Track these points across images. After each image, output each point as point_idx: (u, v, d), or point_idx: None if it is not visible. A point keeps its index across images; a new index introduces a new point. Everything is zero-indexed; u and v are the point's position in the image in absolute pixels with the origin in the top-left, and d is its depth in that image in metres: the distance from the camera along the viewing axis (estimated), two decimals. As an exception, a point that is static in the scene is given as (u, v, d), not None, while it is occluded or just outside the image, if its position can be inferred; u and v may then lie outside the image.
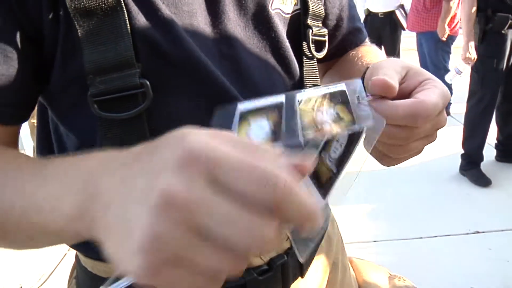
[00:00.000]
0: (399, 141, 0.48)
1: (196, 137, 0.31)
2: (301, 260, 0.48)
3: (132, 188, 0.33)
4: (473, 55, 3.27)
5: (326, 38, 0.71)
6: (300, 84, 0.67)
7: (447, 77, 3.94)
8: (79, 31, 0.50)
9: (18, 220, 0.45)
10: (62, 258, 2.76)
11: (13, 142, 0.58)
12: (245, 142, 0.32)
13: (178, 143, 0.31)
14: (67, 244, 0.48)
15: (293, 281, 0.68)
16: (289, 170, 0.31)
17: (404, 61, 0.55)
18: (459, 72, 3.64)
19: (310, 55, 0.68)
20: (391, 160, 0.53)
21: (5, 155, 0.52)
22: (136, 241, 0.30)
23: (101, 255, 0.61)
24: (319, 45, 0.69)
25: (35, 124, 2.30)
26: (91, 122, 0.53)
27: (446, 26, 4.47)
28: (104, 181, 0.37)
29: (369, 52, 0.77)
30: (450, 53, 4.85)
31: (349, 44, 0.79)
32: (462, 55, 3.33)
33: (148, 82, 0.51)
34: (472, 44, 3.25)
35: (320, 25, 0.69)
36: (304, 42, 0.67)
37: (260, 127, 0.43)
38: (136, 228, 0.30)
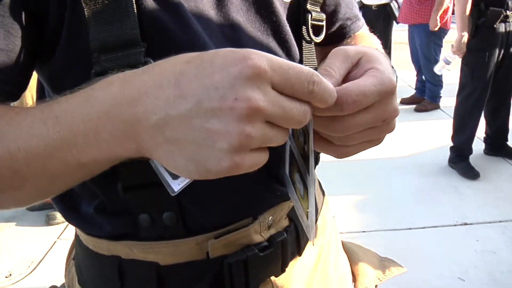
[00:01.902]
0: (336, 132, 0.47)
1: (256, 54, 0.38)
2: (312, 241, 0.52)
3: (204, 105, 0.38)
4: (464, 50, 3.29)
5: (324, 23, 0.72)
6: None
7: (436, 68, 3.96)
8: (85, 9, 0.50)
9: (43, 161, 0.45)
10: (52, 245, 2.76)
11: None
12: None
13: (243, 61, 0.38)
14: (89, 176, 0.48)
15: (291, 259, 0.70)
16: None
17: (365, 46, 0.54)
18: (448, 62, 3.66)
19: (309, 39, 0.69)
20: (339, 149, 0.51)
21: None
22: (228, 144, 0.38)
23: (104, 232, 0.62)
24: (317, 30, 0.71)
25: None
26: None
27: (438, 18, 4.49)
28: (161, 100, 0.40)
29: (363, 40, 0.78)
30: (441, 46, 4.88)
31: (347, 31, 0.80)
32: (453, 47, 3.36)
33: (152, 61, 0.51)
34: (465, 38, 3.27)
35: (319, 9, 0.71)
36: (303, 26, 0.68)
37: None
38: (223, 134, 0.38)
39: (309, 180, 0.49)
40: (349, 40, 0.79)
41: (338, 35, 0.80)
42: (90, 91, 0.43)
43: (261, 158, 0.41)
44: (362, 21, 0.83)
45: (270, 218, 0.67)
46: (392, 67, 0.56)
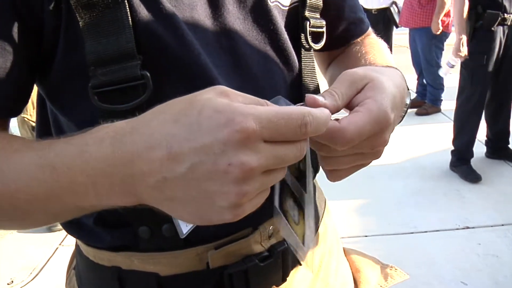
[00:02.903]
0: (326, 153, 0.50)
1: (242, 115, 0.38)
2: (302, 261, 0.52)
3: (198, 169, 0.38)
4: (465, 51, 3.29)
5: (323, 30, 0.71)
6: (298, 75, 0.68)
7: (441, 72, 3.96)
8: (80, 23, 0.51)
9: (44, 202, 0.46)
10: (54, 252, 2.75)
11: None
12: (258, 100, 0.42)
13: (229, 125, 0.37)
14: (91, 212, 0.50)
15: (292, 268, 0.70)
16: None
17: (382, 70, 0.54)
18: (451, 66, 3.66)
19: (308, 47, 0.69)
20: (331, 173, 0.53)
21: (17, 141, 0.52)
22: (227, 203, 0.39)
23: (104, 244, 0.62)
24: (317, 37, 0.70)
25: (25, 119, 2.27)
26: (92, 113, 0.54)
27: (439, 21, 4.49)
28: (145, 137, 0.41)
29: (373, 48, 0.77)
30: (443, 50, 4.87)
31: (351, 35, 0.79)
32: (453, 50, 3.36)
33: (148, 74, 0.52)
34: (464, 40, 3.27)
35: (318, 16, 0.70)
36: (302, 34, 0.68)
37: None
38: (221, 195, 0.39)
39: (306, 198, 0.49)
40: (358, 47, 0.78)
41: (342, 39, 0.79)
42: (83, 145, 0.44)
43: (262, 199, 0.43)
44: (367, 24, 0.82)
45: (270, 228, 0.67)
46: (407, 88, 0.57)
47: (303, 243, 0.49)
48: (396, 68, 0.60)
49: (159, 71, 0.54)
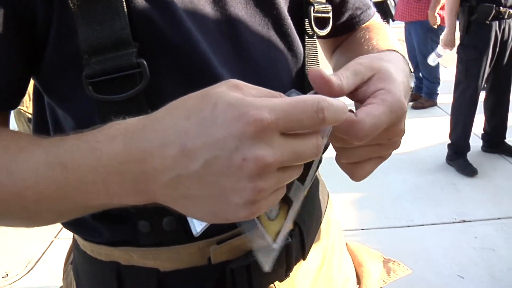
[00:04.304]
0: (342, 144, 0.48)
1: (255, 108, 0.36)
2: (267, 269, 0.51)
3: (212, 165, 0.37)
4: (453, 44, 3.29)
5: (330, 15, 0.69)
6: (302, 63, 0.66)
7: (430, 60, 3.98)
8: (73, 9, 0.48)
9: (53, 201, 0.46)
10: (49, 245, 2.74)
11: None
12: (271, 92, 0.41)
13: (242, 118, 0.36)
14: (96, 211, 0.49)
15: (295, 263, 0.68)
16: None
17: (386, 56, 0.53)
18: (439, 56, 3.71)
19: (311, 33, 0.66)
20: (354, 171, 0.51)
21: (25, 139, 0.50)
22: (243, 200, 0.38)
23: (102, 238, 0.61)
24: (322, 22, 0.68)
25: (21, 110, 2.25)
26: (89, 105, 0.52)
27: (436, 14, 4.48)
28: (169, 159, 0.39)
29: (377, 33, 0.75)
30: (438, 43, 4.86)
31: (356, 21, 0.77)
32: (442, 41, 3.37)
33: (145, 62, 0.49)
34: (452, 32, 3.27)
35: (323, 1, 0.68)
36: (306, 19, 0.65)
37: None
38: (236, 191, 0.38)
39: (299, 192, 0.48)
40: (362, 33, 0.76)
41: (348, 26, 0.77)
42: (94, 142, 0.43)
43: (278, 196, 0.42)
44: (373, 9, 0.80)
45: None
46: (410, 71, 0.55)
47: (275, 241, 0.48)
48: (398, 52, 0.59)
49: (156, 59, 0.52)
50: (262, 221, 0.48)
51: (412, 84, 0.57)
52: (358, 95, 0.48)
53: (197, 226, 0.47)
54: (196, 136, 0.37)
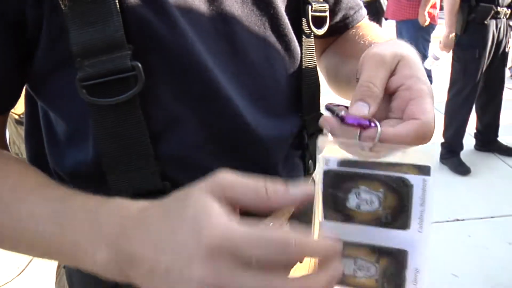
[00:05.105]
0: None
1: (213, 228, 0.37)
2: None
3: (165, 272, 0.39)
4: (451, 46, 3.29)
5: (327, 14, 0.68)
6: (299, 63, 0.65)
7: (426, 64, 3.97)
8: (64, 11, 0.47)
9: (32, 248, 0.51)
10: (40, 247, 2.71)
11: None
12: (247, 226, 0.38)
13: (200, 233, 0.37)
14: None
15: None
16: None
17: (398, 43, 0.52)
18: (436, 58, 3.70)
19: (309, 32, 0.65)
20: None
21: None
22: None
23: None
24: (319, 21, 0.67)
25: (12, 113, 2.21)
26: (82, 108, 0.50)
27: (426, 13, 4.49)
28: (137, 245, 0.41)
29: (370, 30, 0.74)
30: (429, 41, 4.89)
31: (350, 21, 0.76)
32: (440, 44, 3.36)
33: (140, 65, 0.48)
34: (452, 35, 3.27)
35: (321, 0, 0.67)
36: (303, 19, 0.64)
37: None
38: None
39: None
40: (354, 31, 0.75)
41: (341, 26, 0.76)
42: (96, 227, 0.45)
43: None
44: (364, 9, 0.79)
45: (270, 225, 0.64)
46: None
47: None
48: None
49: (151, 61, 0.50)
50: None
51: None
52: (386, 88, 0.47)
53: None
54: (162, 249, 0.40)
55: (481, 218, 2.87)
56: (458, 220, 2.87)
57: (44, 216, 0.47)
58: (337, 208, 0.42)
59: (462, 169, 3.45)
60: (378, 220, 0.42)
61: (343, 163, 0.41)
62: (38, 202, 0.49)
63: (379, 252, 0.42)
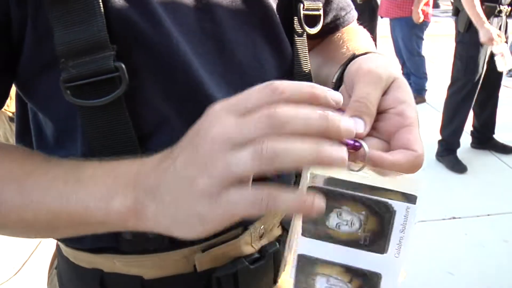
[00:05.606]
0: None
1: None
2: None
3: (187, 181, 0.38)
4: (496, 32, 3.14)
5: (320, 13, 0.66)
6: (290, 64, 0.63)
7: (500, 67, 3.53)
8: (48, 11, 0.46)
9: (48, 218, 0.48)
10: (36, 247, 2.71)
11: None
12: None
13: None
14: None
15: (284, 269, 0.66)
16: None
17: (388, 61, 0.51)
18: (501, 54, 3.29)
19: (301, 32, 0.64)
20: None
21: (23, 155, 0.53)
22: (213, 179, 0.37)
23: (84, 245, 0.59)
24: (313, 20, 0.65)
25: (6, 111, 2.19)
26: (70, 109, 0.50)
27: (420, 11, 4.49)
28: (156, 177, 0.42)
29: (355, 35, 0.73)
30: (423, 39, 4.90)
31: (340, 22, 0.74)
32: (493, 42, 3.18)
33: (123, 66, 0.47)
34: (488, 25, 3.14)
35: None
36: (295, 17, 0.63)
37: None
38: (206, 170, 0.37)
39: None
40: (339, 35, 0.73)
41: (332, 27, 0.74)
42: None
43: (257, 196, 0.37)
44: (355, 11, 0.78)
45: (261, 228, 0.63)
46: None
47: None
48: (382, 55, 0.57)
49: (135, 62, 0.49)
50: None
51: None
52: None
53: None
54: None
55: (478, 216, 2.87)
56: (454, 218, 2.87)
57: (57, 175, 0.47)
58: (316, 225, 0.42)
59: (458, 167, 3.45)
60: (356, 242, 0.42)
61: (330, 181, 0.41)
62: (49, 166, 0.49)
63: (353, 273, 0.42)
